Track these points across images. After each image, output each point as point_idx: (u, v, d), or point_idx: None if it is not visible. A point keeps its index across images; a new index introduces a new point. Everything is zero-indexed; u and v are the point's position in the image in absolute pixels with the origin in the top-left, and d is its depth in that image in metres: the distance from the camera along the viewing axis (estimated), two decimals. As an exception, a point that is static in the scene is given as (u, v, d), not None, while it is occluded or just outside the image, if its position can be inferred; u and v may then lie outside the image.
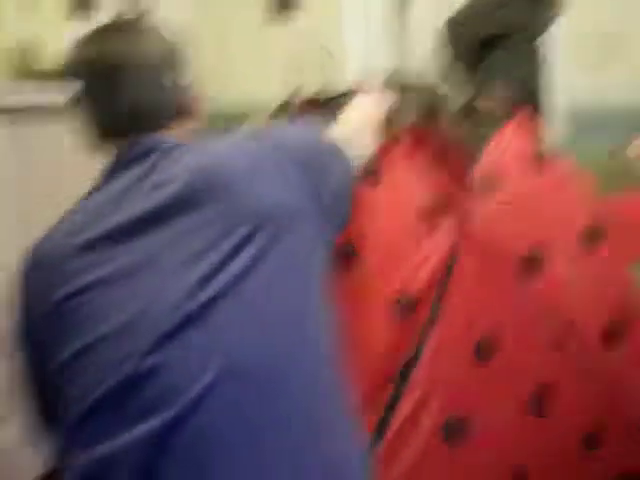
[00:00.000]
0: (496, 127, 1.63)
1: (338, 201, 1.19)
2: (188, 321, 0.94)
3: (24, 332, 1.07)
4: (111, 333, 0.95)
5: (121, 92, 1.09)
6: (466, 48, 3.19)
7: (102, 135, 1.13)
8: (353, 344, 1.33)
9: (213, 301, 0.96)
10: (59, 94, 2.21)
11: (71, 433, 0.97)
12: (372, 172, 1.46)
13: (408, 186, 1.50)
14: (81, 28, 2.68)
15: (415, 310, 1.45)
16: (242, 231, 1.00)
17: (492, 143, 1.60)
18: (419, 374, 1.44)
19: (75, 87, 1.14)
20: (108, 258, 0.99)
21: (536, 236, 1.56)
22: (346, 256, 1.43)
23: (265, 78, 2.01)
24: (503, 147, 1.59)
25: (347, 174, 1.24)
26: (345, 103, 1.54)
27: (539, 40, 3.21)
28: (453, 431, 1.47)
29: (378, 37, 3.77)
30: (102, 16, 3.12)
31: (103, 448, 0.92)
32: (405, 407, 1.43)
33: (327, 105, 1.67)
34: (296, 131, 1.23)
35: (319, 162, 1.17)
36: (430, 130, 1.65)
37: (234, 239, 0.99)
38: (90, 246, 1.01)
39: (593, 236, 1.61)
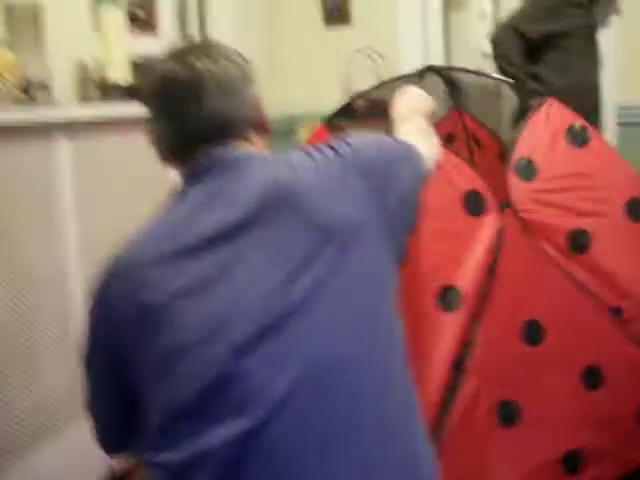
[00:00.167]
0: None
1: (406, 204, 1.21)
2: (265, 332, 0.99)
3: (105, 336, 1.11)
4: (193, 341, 1.00)
5: (205, 104, 1.13)
6: (524, 49, 3.18)
7: (181, 147, 1.17)
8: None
9: (289, 312, 1.00)
10: (122, 109, 2.33)
11: (156, 434, 1.02)
12: None
13: (450, 172, 1.52)
14: (140, 47, 2.79)
15: (464, 301, 1.48)
16: (312, 244, 1.05)
17: (528, 126, 1.64)
18: (474, 363, 1.47)
19: (145, 102, 1.19)
20: (189, 268, 1.04)
21: (581, 211, 1.59)
22: None
23: (320, 86, 2.06)
24: (540, 129, 1.64)
25: (416, 176, 1.26)
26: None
27: (597, 38, 3.18)
28: (507, 414, 1.51)
29: (433, 44, 3.78)
30: (160, 35, 3.25)
31: (188, 450, 0.97)
32: (463, 396, 1.47)
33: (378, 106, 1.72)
34: (364, 141, 1.24)
35: (387, 169, 1.20)
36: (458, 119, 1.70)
37: (305, 252, 1.04)
38: (174, 256, 1.05)
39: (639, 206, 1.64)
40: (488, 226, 1.51)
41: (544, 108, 1.66)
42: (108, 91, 2.49)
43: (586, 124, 1.67)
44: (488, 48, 3.32)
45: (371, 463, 0.99)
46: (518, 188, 1.56)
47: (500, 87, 1.99)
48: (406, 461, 1.04)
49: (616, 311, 1.60)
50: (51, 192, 2.05)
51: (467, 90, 2.01)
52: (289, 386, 0.97)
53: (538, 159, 1.59)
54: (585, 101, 2.88)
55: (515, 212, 1.54)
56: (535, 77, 3.10)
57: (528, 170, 1.58)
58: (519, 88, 2.03)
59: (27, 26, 2.17)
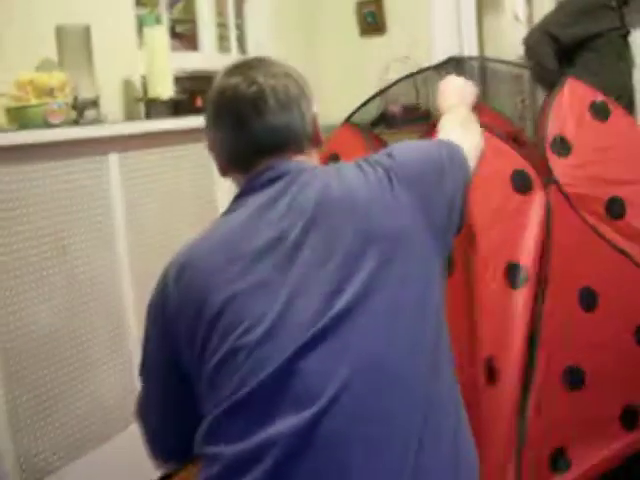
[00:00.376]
0: None
1: (453, 207, 1.24)
2: (321, 332, 1.05)
3: (164, 332, 1.17)
4: (253, 339, 1.06)
5: (266, 118, 1.20)
6: (557, 52, 3.21)
7: (241, 157, 1.23)
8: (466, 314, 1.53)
9: (343, 313, 1.06)
10: (167, 124, 2.41)
11: (212, 426, 1.07)
12: None
13: (496, 155, 1.61)
14: (183, 62, 2.88)
15: (528, 277, 1.59)
16: (362, 250, 1.10)
17: (555, 106, 1.76)
18: (544, 335, 1.57)
19: (208, 113, 1.26)
20: (248, 270, 1.10)
21: (614, 180, 1.72)
22: None
23: (356, 96, 2.11)
24: (566, 107, 1.76)
25: (462, 177, 1.29)
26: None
27: (628, 40, 3.20)
28: (574, 380, 1.62)
29: (468, 51, 3.81)
30: (201, 51, 3.34)
31: (244, 443, 1.03)
32: (540, 369, 1.57)
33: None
34: (407, 149, 1.28)
35: (433, 176, 1.23)
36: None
37: (356, 257, 1.10)
38: (235, 258, 1.12)
39: None
40: (537, 203, 1.62)
41: (566, 87, 1.78)
42: (153, 107, 2.59)
43: (606, 98, 1.80)
44: (522, 53, 3.36)
45: (418, 455, 1.03)
46: (557, 164, 1.68)
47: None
48: (450, 460, 1.08)
49: None
50: (103, 204, 2.15)
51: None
52: (342, 383, 1.02)
53: (569, 136, 1.72)
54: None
55: (558, 187, 1.65)
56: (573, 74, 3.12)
57: (563, 147, 1.70)
58: (540, 73, 2.14)
59: (77, 46, 2.26)
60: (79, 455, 2.04)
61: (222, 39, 3.60)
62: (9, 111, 2.02)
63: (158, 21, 2.87)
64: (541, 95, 1.97)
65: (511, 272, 1.58)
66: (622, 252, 1.68)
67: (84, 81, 2.24)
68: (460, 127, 1.43)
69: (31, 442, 1.89)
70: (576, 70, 3.13)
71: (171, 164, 2.42)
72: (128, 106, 2.63)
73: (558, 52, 3.21)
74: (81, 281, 2.06)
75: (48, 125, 1.99)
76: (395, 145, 1.29)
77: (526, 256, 1.59)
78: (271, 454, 1.01)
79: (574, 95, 1.77)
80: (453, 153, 1.30)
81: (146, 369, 1.24)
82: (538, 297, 1.58)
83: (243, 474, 1.01)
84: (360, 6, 3.95)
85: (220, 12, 3.58)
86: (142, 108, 2.64)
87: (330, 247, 1.10)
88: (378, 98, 2.14)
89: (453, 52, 3.85)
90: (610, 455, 1.67)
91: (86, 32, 2.26)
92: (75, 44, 2.24)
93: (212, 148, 1.28)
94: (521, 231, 1.60)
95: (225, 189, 2.58)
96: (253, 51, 3.65)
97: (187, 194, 2.49)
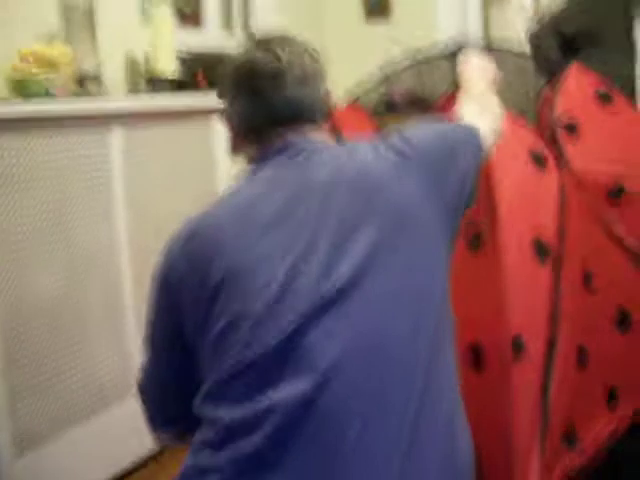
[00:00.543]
0: None
1: (465, 185, 1.26)
2: (326, 304, 1.06)
3: (170, 297, 1.18)
4: (259, 308, 1.07)
5: (286, 91, 1.23)
6: (561, 45, 3.20)
7: (259, 127, 1.25)
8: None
9: (348, 286, 1.07)
10: (170, 100, 2.41)
11: (213, 391, 1.09)
12: None
13: (515, 133, 1.63)
14: (187, 40, 2.87)
15: (550, 253, 1.62)
16: (372, 224, 1.12)
17: (562, 91, 1.80)
18: (561, 312, 1.61)
19: (227, 85, 1.27)
20: (258, 241, 1.12)
21: (618, 164, 1.77)
22: None
23: (361, 78, 2.11)
24: (573, 92, 1.82)
25: (476, 156, 1.31)
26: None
27: (633, 32, 3.19)
28: (582, 357, 1.67)
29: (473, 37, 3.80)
30: (205, 30, 3.33)
31: (245, 407, 1.04)
32: (561, 346, 1.60)
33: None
34: (421, 129, 1.30)
35: (446, 155, 1.25)
36: None
37: (364, 232, 1.11)
38: (245, 227, 1.13)
39: None
40: (554, 182, 1.66)
41: (571, 73, 1.83)
42: (156, 83, 2.59)
43: (609, 84, 1.86)
44: (527, 44, 3.35)
45: (413, 434, 1.05)
46: (568, 148, 1.72)
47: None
48: (445, 443, 1.10)
49: None
50: (104, 178, 2.15)
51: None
52: (343, 356, 1.04)
53: (578, 121, 1.76)
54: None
55: (570, 170, 1.70)
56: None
57: (573, 131, 1.74)
58: (542, 65, 2.17)
59: (81, 21, 2.26)
60: (74, 425, 2.06)
61: (228, 19, 3.58)
62: (12, 82, 2.02)
63: (163, -2, 2.85)
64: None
65: (538, 248, 1.60)
66: (617, 238, 1.73)
67: (87, 56, 2.24)
68: (478, 107, 1.45)
69: (27, 413, 1.90)
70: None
71: (173, 140, 2.42)
72: (131, 82, 2.63)
73: (562, 45, 3.20)
74: (80, 253, 2.07)
75: (50, 96, 1.99)
76: (410, 125, 1.31)
77: (549, 233, 1.62)
78: (271, 420, 1.02)
79: (579, 81, 1.82)
80: (468, 133, 1.31)
81: (150, 338, 1.25)
82: (556, 274, 1.61)
83: (242, 438, 1.03)
84: (365, -10, 3.93)
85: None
86: (145, 85, 2.63)
87: (339, 220, 1.12)
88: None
89: (458, 38, 3.85)
90: (602, 436, 1.72)
91: (90, 6, 2.26)
92: (78, 18, 2.24)
93: (228, 119, 1.29)
94: (544, 209, 1.64)
95: (226, 169, 2.59)
96: (257, 32, 3.63)
97: (188, 171, 2.49)
